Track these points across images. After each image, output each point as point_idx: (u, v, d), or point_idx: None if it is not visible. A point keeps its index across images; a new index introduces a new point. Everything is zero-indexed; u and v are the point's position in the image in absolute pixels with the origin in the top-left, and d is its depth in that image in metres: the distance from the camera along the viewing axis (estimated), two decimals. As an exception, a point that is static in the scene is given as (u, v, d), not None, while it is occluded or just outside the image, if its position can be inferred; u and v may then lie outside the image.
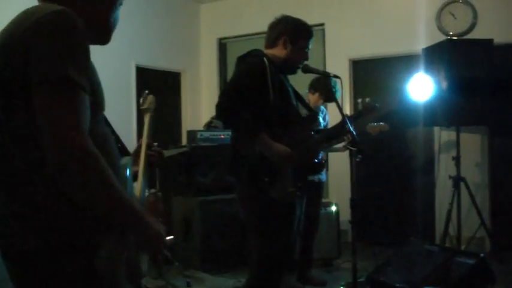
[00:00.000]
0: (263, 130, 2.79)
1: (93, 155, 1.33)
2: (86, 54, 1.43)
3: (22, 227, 1.41)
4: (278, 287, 3.02)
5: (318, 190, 4.94)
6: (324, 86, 4.63)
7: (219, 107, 2.82)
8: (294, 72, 3.17)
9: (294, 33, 3.09)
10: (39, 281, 1.44)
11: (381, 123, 4.73)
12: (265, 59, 2.93)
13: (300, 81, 4.99)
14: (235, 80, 2.94)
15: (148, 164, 1.99)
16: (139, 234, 1.50)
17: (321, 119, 4.98)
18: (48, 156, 1.31)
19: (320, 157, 3.24)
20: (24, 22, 1.40)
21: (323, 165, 3.16)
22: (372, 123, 4.76)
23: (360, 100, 3.66)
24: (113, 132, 1.75)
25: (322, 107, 5.04)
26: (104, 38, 1.68)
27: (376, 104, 3.56)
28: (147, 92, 2.33)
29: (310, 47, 3.17)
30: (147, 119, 2.20)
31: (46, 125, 1.32)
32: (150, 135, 2.10)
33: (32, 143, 1.38)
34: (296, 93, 3.19)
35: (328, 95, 4.76)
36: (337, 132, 3.31)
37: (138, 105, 6.85)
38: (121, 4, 1.71)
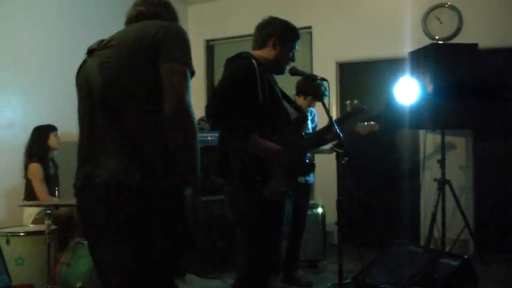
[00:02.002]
0: (254, 131, 2.80)
1: (193, 115, 1.91)
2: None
3: (131, 167, 1.90)
4: (266, 287, 3.04)
5: (305, 192, 4.96)
6: (316, 88, 4.65)
7: (210, 108, 2.83)
8: (281, 72, 3.18)
9: (283, 34, 3.11)
10: (134, 211, 1.89)
11: (372, 122, 4.77)
12: (253, 60, 2.95)
13: (284, 83, 5.03)
14: (225, 82, 2.94)
15: None
16: (193, 196, 1.96)
17: (309, 121, 5.01)
18: (168, 106, 1.87)
19: (311, 162, 3.25)
20: (151, 27, 2.02)
21: (314, 165, 3.19)
22: (362, 123, 4.80)
23: (348, 102, 3.68)
24: None
25: (310, 109, 5.06)
26: None
27: (364, 106, 3.58)
28: None
29: (297, 48, 3.20)
30: None
31: (171, 87, 1.90)
32: None
33: (154, 100, 1.92)
34: (284, 94, 3.21)
35: (318, 94, 4.77)
36: (328, 132, 3.35)
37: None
38: None
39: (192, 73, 2.00)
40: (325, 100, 4.09)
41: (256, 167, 2.81)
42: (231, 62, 3.04)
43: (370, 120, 4.26)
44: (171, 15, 2.33)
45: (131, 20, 2.22)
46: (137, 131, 1.94)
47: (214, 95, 2.85)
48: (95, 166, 1.96)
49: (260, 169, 2.81)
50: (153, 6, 2.25)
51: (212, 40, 7.79)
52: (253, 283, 2.98)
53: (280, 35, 3.10)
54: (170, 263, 2.03)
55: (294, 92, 4.99)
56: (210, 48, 7.84)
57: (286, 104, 3.17)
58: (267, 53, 3.10)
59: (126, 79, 1.96)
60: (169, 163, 1.93)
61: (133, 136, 1.93)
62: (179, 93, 1.90)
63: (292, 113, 3.23)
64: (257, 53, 3.10)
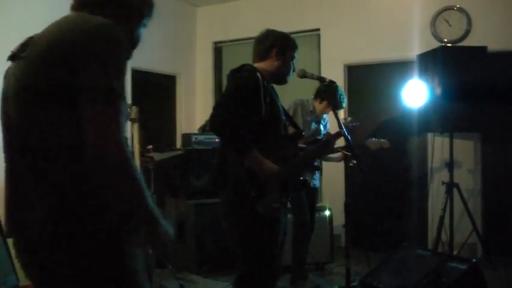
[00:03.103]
0: (255, 147, 2.82)
1: (128, 160, 1.50)
2: (126, 64, 1.60)
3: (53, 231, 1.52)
4: None
5: (312, 195, 4.98)
6: (333, 94, 4.67)
7: (212, 120, 2.84)
8: (284, 82, 3.23)
9: (283, 45, 3.15)
10: (62, 272, 1.54)
11: (382, 139, 4.82)
12: (258, 73, 2.97)
13: (295, 87, 5.04)
14: (229, 93, 2.96)
15: (144, 169, 2.04)
16: (151, 231, 1.57)
17: (322, 127, 5.04)
18: (89, 155, 1.46)
19: (315, 164, 3.27)
20: (69, 32, 1.55)
21: (307, 182, 3.20)
22: (373, 139, 4.85)
23: (345, 118, 3.78)
24: None
25: (325, 116, 5.09)
26: (135, 44, 1.88)
27: (356, 123, 3.80)
28: (129, 103, 2.34)
29: (296, 57, 3.24)
30: (135, 129, 2.22)
31: (91, 129, 1.46)
32: (141, 143, 2.13)
33: (73, 151, 1.52)
34: (284, 109, 3.24)
35: (336, 104, 4.80)
36: (320, 151, 3.44)
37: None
38: (145, 26, 1.87)
39: (123, 97, 1.55)
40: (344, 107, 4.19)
41: (251, 182, 2.82)
42: (235, 73, 3.06)
43: (376, 136, 4.34)
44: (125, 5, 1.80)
45: (74, 6, 1.78)
46: (51, 170, 1.55)
47: (217, 106, 2.86)
48: (11, 213, 1.66)
49: (255, 184, 2.83)
50: None
51: (220, 42, 7.80)
52: None
53: (281, 46, 3.13)
54: None
55: (312, 96, 5.02)
56: (218, 50, 7.85)
57: (284, 119, 3.20)
58: (268, 65, 3.13)
59: (34, 104, 1.55)
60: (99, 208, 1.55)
61: (47, 177, 1.56)
62: (98, 139, 1.46)
63: (290, 130, 3.27)
64: (259, 65, 3.14)
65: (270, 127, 2.96)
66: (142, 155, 2.10)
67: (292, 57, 3.19)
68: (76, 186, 1.53)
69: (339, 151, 4.58)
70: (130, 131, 2.24)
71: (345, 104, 4.88)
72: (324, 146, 3.40)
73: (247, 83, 2.92)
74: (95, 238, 1.53)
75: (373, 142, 4.89)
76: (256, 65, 3.14)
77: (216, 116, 2.82)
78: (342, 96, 4.80)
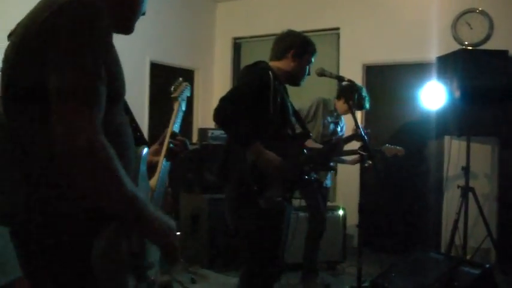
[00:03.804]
0: (257, 140, 2.83)
1: (102, 149, 1.31)
2: (109, 45, 1.43)
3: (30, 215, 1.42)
4: None
5: (323, 195, 4.98)
6: (358, 94, 4.68)
7: (216, 111, 2.87)
8: (297, 84, 3.26)
9: (302, 47, 3.17)
10: (39, 261, 1.45)
11: (398, 147, 4.82)
12: (270, 72, 2.99)
13: (311, 87, 5.03)
14: (238, 88, 3.01)
15: (172, 154, 1.95)
16: (144, 228, 1.45)
17: (338, 129, 5.04)
18: (58, 143, 1.28)
19: (332, 164, 3.29)
20: (47, 7, 1.36)
21: (311, 181, 3.21)
22: (389, 145, 4.85)
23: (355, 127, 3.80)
24: (133, 120, 1.74)
25: (342, 117, 5.09)
26: (127, 27, 1.68)
27: (367, 130, 3.87)
28: (181, 79, 2.27)
29: (313, 61, 3.25)
30: (175, 107, 2.14)
31: (58, 133, 1.29)
32: (176, 124, 2.04)
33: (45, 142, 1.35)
34: (294, 109, 3.26)
35: (361, 105, 4.80)
36: (326, 154, 3.48)
37: (151, 100, 6.87)
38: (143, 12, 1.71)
39: (99, 78, 1.35)
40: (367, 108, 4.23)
41: (254, 176, 2.84)
42: (248, 69, 3.09)
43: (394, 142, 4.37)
44: None
45: None
46: (29, 159, 1.43)
47: (223, 99, 2.89)
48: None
49: (258, 178, 2.84)
50: None
51: (240, 38, 7.81)
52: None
53: (299, 48, 3.16)
54: None
55: (334, 96, 5.02)
56: (237, 46, 7.87)
57: (293, 120, 3.21)
58: (284, 64, 3.16)
59: (10, 94, 1.42)
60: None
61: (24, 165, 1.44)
62: (65, 120, 1.28)
63: (298, 130, 3.29)
64: (275, 64, 3.16)
65: (277, 126, 2.99)
66: (173, 137, 1.98)
67: (309, 61, 3.22)
68: (49, 179, 1.39)
69: (353, 153, 4.59)
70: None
71: (368, 105, 4.86)
72: (331, 148, 3.43)
73: (257, 80, 2.95)
74: (63, 229, 1.40)
75: (389, 148, 4.89)
76: (272, 63, 3.16)
77: (220, 109, 2.85)
78: (366, 97, 4.80)
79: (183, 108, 2.18)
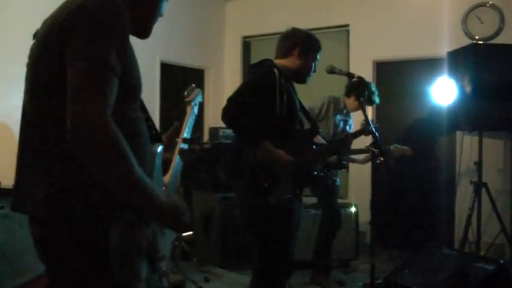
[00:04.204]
0: (266, 138, 2.84)
1: (111, 132, 1.38)
2: (125, 40, 1.51)
3: (48, 195, 1.50)
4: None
5: (336, 193, 4.98)
6: (367, 90, 4.69)
7: (224, 111, 2.89)
8: (303, 82, 3.26)
9: (307, 45, 3.18)
10: (56, 247, 1.52)
11: (405, 147, 4.83)
12: (276, 70, 3.00)
13: (320, 85, 5.02)
14: (245, 87, 3.04)
15: (182, 158, 2.08)
16: (152, 211, 1.51)
17: (347, 127, 5.04)
18: (69, 125, 1.36)
19: (343, 162, 3.30)
20: (69, 5, 1.48)
21: (321, 177, 3.23)
22: (397, 145, 4.86)
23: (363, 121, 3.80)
24: (148, 118, 1.80)
25: (351, 115, 5.08)
26: (145, 30, 1.77)
27: (376, 125, 3.91)
28: (194, 85, 2.40)
29: (318, 59, 3.26)
30: (188, 110, 2.28)
31: (69, 109, 1.37)
32: (188, 128, 2.17)
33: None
34: (302, 105, 3.26)
35: (371, 100, 4.80)
36: (335, 149, 3.49)
37: (162, 100, 6.91)
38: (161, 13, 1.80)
39: (114, 71, 1.44)
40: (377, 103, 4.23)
41: (264, 173, 2.86)
42: (254, 68, 3.11)
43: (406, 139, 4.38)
44: None
45: None
46: (51, 150, 1.52)
47: (231, 98, 2.92)
48: (18, 187, 1.65)
49: (268, 175, 2.86)
50: None
51: (249, 37, 7.82)
52: (266, 287, 3.03)
53: (304, 45, 3.16)
54: None
55: (343, 94, 5.01)
56: (246, 44, 7.87)
57: (302, 116, 3.21)
58: (290, 62, 3.16)
59: (33, 88, 1.55)
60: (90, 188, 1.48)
61: (46, 155, 1.53)
62: (75, 110, 1.37)
63: (307, 126, 3.30)
64: (280, 61, 3.17)
65: (285, 123, 3.00)
66: (185, 141, 2.11)
67: (315, 58, 3.22)
68: (68, 166, 1.48)
69: (363, 152, 4.60)
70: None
71: (378, 100, 4.86)
72: (340, 144, 3.44)
73: (263, 79, 2.98)
74: (83, 217, 1.48)
75: (397, 148, 4.88)
76: (277, 61, 3.18)
77: (228, 108, 2.88)
78: (375, 92, 4.79)
79: (196, 112, 2.34)
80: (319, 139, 3.82)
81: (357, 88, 4.69)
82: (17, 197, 1.65)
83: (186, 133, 2.16)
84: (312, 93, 5.29)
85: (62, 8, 1.51)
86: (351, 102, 4.91)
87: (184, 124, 2.17)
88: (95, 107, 1.37)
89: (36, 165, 1.55)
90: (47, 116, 1.51)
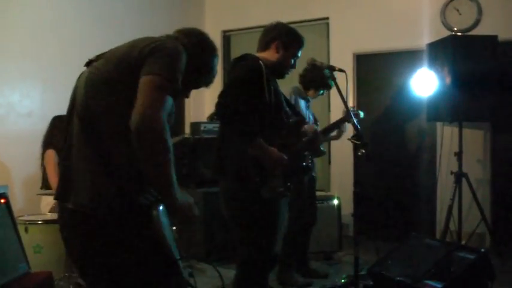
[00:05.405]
0: (260, 135, 2.84)
1: (166, 132, 1.77)
2: (181, 69, 1.93)
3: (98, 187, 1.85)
4: (266, 284, 3.10)
5: (312, 186, 4.96)
6: (317, 77, 4.67)
7: (220, 107, 2.87)
8: (281, 77, 3.26)
9: (288, 39, 3.18)
10: (121, 237, 1.85)
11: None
12: (261, 62, 2.99)
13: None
14: (233, 82, 3.01)
15: None
16: (171, 203, 1.85)
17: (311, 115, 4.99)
18: (132, 120, 1.73)
19: (322, 149, 3.33)
20: (141, 42, 1.95)
21: (310, 168, 3.24)
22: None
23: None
24: None
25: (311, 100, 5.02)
26: (190, 89, 2.25)
27: (356, 111, 4.17)
28: None
29: (299, 56, 3.26)
30: None
31: (138, 100, 1.76)
32: None
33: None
34: (285, 97, 3.27)
35: (323, 83, 4.77)
36: (325, 135, 3.67)
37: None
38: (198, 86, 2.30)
39: (174, 91, 1.86)
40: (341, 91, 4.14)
41: (255, 168, 2.86)
42: (238, 62, 3.09)
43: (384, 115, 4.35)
44: (191, 44, 2.19)
45: None
46: (110, 148, 1.86)
47: (222, 94, 2.90)
48: (67, 186, 1.94)
49: (259, 170, 2.87)
50: (178, 33, 2.34)
51: (229, 31, 7.79)
52: (251, 280, 3.04)
53: (284, 39, 3.17)
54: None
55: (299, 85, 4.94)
56: (226, 39, 7.84)
57: (286, 107, 3.22)
58: (269, 55, 3.18)
59: (105, 92, 1.90)
60: (140, 183, 1.86)
61: (106, 154, 1.86)
62: (144, 106, 1.75)
63: (293, 117, 3.29)
64: (261, 54, 3.19)
65: (273, 114, 3.00)
66: None
67: (295, 55, 3.22)
68: (124, 164, 1.83)
69: (338, 137, 4.63)
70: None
71: (333, 83, 4.81)
72: (325, 131, 3.46)
73: (250, 71, 2.97)
74: (132, 207, 1.85)
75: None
76: (258, 54, 3.18)
77: (222, 104, 2.86)
78: (329, 76, 4.69)
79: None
80: (312, 127, 3.82)
81: (312, 80, 4.71)
82: (61, 191, 1.96)
83: None
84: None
85: (136, 42, 1.98)
86: (311, 93, 4.89)
87: None
88: (158, 102, 1.78)
89: (92, 169, 1.86)
90: (110, 120, 1.86)
